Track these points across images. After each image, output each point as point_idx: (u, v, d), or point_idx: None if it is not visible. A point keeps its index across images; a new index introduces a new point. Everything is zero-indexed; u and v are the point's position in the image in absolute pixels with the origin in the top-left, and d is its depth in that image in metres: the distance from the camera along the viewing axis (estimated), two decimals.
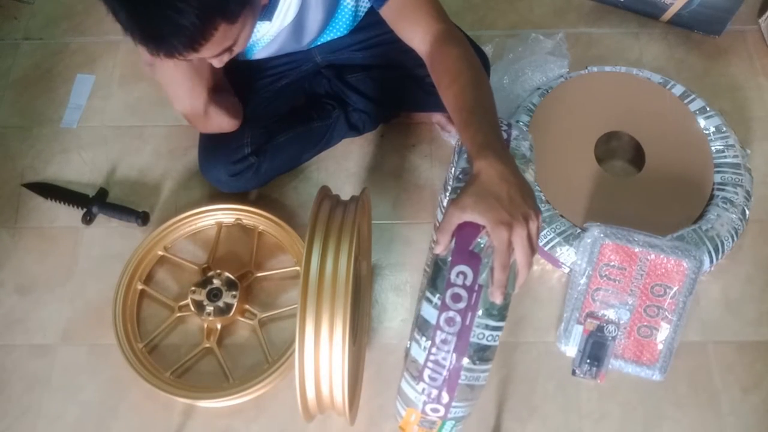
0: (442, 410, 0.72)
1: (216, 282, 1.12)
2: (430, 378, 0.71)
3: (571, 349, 1.07)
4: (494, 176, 0.69)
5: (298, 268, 1.16)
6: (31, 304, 1.18)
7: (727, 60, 1.38)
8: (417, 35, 0.86)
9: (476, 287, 0.68)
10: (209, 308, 1.10)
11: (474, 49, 1.13)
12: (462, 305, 0.68)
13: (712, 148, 1.19)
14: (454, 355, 0.69)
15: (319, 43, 1.10)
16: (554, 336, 1.11)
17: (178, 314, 1.13)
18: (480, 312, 0.69)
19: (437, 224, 0.99)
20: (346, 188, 1.26)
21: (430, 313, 0.70)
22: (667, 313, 1.05)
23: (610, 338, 1.06)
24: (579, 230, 1.11)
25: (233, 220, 1.22)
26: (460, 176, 0.74)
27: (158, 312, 1.16)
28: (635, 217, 1.11)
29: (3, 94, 1.41)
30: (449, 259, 0.69)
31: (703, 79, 1.35)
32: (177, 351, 1.12)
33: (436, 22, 0.85)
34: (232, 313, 1.10)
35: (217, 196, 1.23)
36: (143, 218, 1.23)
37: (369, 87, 1.20)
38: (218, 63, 0.82)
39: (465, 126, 0.75)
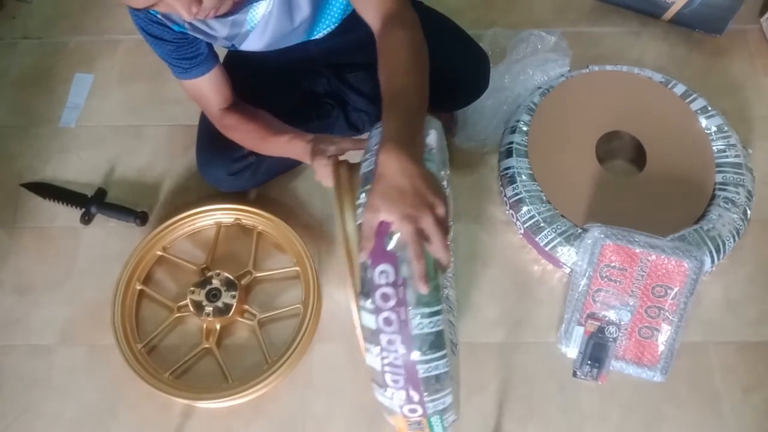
0: (420, 408, 0.73)
1: (215, 282, 1.11)
2: (393, 381, 0.71)
3: (571, 350, 1.07)
4: (395, 170, 0.71)
5: (297, 268, 1.16)
6: (29, 304, 1.17)
7: (728, 59, 1.38)
8: (369, 12, 0.87)
9: (400, 281, 0.69)
10: (208, 308, 1.09)
11: (474, 47, 1.14)
12: (392, 302, 0.69)
13: (714, 147, 1.18)
14: (403, 352, 0.70)
15: (316, 36, 1.08)
16: (555, 337, 1.10)
17: (177, 314, 1.13)
18: (412, 304, 0.69)
19: None
20: None
21: (369, 319, 0.71)
22: (668, 313, 1.04)
23: (611, 339, 1.05)
24: (580, 230, 1.10)
25: (232, 220, 1.21)
26: (362, 180, 0.77)
27: (157, 312, 1.15)
28: (636, 216, 1.11)
29: (1, 93, 1.41)
30: (369, 261, 0.71)
31: (705, 78, 1.35)
32: (176, 351, 1.12)
33: (388, 1, 0.86)
34: (231, 314, 1.10)
35: (216, 196, 1.23)
36: (142, 218, 1.22)
37: (369, 86, 1.19)
38: (186, 14, 0.77)
39: (385, 112, 0.78)
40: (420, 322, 0.69)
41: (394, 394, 0.72)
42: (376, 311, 0.70)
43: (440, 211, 0.71)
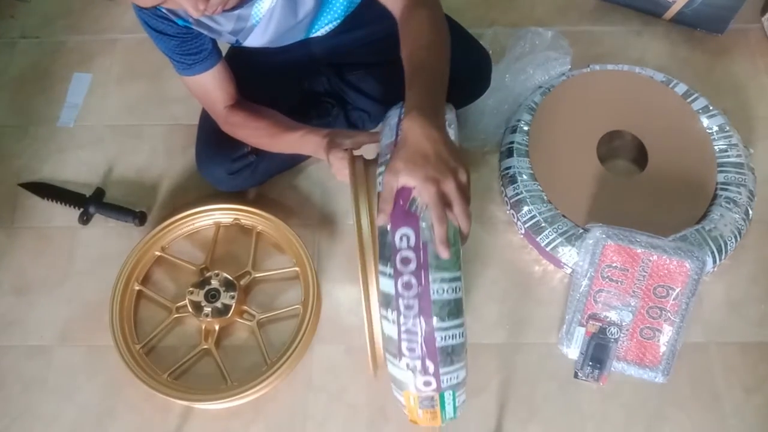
0: (434, 381, 0.71)
1: (214, 282, 1.11)
2: (409, 349, 0.70)
3: (573, 351, 1.06)
4: (420, 136, 0.72)
5: (297, 268, 1.15)
6: (27, 304, 1.17)
7: (730, 58, 1.37)
8: None
9: (421, 245, 0.69)
10: (207, 309, 1.09)
11: (476, 46, 1.13)
12: (413, 266, 0.69)
13: (715, 147, 1.17)
14: (422, 318, 0.69)
15: (317, 32, 1.07)
16: (556, 337, 1.10)
17: (176, 315, 1.12)
18: (432, 268, 0.69)
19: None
20: (346, 187, 1.24)
21: (387, 284, 0.70)
22: (669, 314, 1.04)
23: (612, 340, 1.05)
24: (581, 230, 1.10)
25: (231, 220, 1.21)
26: (381, 151, 0.78)
27: (156, 313, 1.15)
28: (638, 216, 1.10)
29: None
30: (389, 226, 0.70)
31: (706, 77, 1.34)
32: (174, 352, 1.11)
33: None
34: (230, 314, 1.09)
35: (215, 196, 1.22)
36: (140, 218, 1.22)
37: (369, 85, 1.19)
38: (194, 11, 0.78)
39: (408, 85, 0.79)
40: (440, 287, 0.69)
41: (410, 364, 0.71)
42: (396, 275, 0.69)
43: (463, 177, 0.71)
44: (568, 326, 1.07)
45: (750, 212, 1.12)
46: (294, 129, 1.01)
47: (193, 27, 0.94)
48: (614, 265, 1.05)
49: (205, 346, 1.10)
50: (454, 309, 0.70)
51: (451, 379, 0.72)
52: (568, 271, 1.13)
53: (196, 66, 0.99)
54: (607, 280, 1.06)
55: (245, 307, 1.13)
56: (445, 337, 0.70)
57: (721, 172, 1.15)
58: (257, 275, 1.16)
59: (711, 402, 1.05)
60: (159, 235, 1.18)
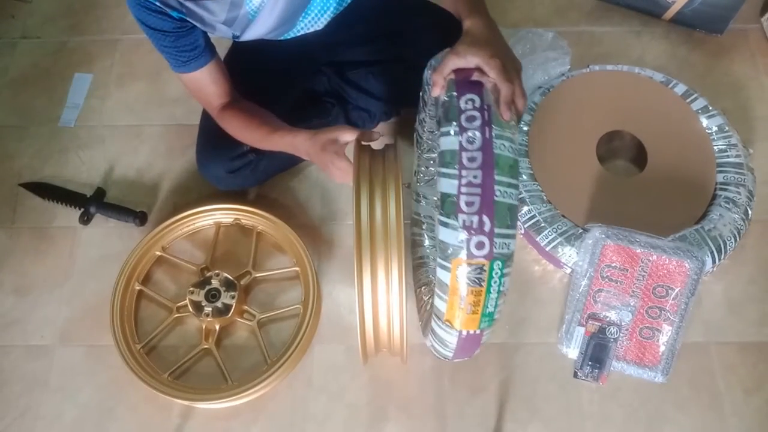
0: (487, 243, 0.72)
1: (214, 282, 1.11)
2: (467, 203, 0.72)
3: (572, 351, 1.07)
4: (483, 28, 0.80)
5: (297, 268, 1.16)
6: (28, 304, 1.17)
7: (729, 59, 1.37)
8: None
9: (486, 106, 0.74)
10: (207, 309, 1.09)
11: None
12: (478, 123, 0.73)
13: (715, 147, 1.18)
14: (484, 169, 0.72)
15: (314, 9, 1.06)
16: (556, 337, 1.10)
17: (176, 315, 1.13)
18: (496, 125, 0.73)
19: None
20: (346, 187, 1.25)
21: (450, 141, 0.73)
22: (669, 314, 1.04)
23: (612, 340, 1.05)
24: (581, 230, 1.10)
25: (232, 220, 1.21)
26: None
27: (156, 313, 1.15)
28: (637, 216, 1.10)
29: (0, 93, 1.40)
30: (454, 93, 0.76)
31: (706, 78, 1.34)
32: (175, 352, 1.11)
33: None
34: (230, 314, 1.09)
35: (216, 195, 1.22)
36: (141, 218, 1.22)
37: (370, 83, 1.19)
38: None
39: (462, 6, 0.85)
40: (502, 143, 0.73)
41: (466, 221, 0.71)
42: (461, 131, 0.73)
43: (519, 66, 0.81)
44: (567, 326, 1.07)
45: (749, 212, 1.13)
46: (276, 130, 1.01)
47: (188, 19, 0.94)
48: (614, 264, 1.06)
49: (206, 346, 1.10)
50: (514, 168, 0.73)
51: (502, 246, 0.73)
52: (568, 270, 1.13)
53: (192, 63, 0.99)
54: (606, 279, 1.06)
55: (246, 307, 1.13)
56: (504, 193, 0.72)
57: (721, 172, 1.15)
58: (258, 275, 1.16)
59: (710, 402, 1.05)
60: (159, 235, 1.18)
